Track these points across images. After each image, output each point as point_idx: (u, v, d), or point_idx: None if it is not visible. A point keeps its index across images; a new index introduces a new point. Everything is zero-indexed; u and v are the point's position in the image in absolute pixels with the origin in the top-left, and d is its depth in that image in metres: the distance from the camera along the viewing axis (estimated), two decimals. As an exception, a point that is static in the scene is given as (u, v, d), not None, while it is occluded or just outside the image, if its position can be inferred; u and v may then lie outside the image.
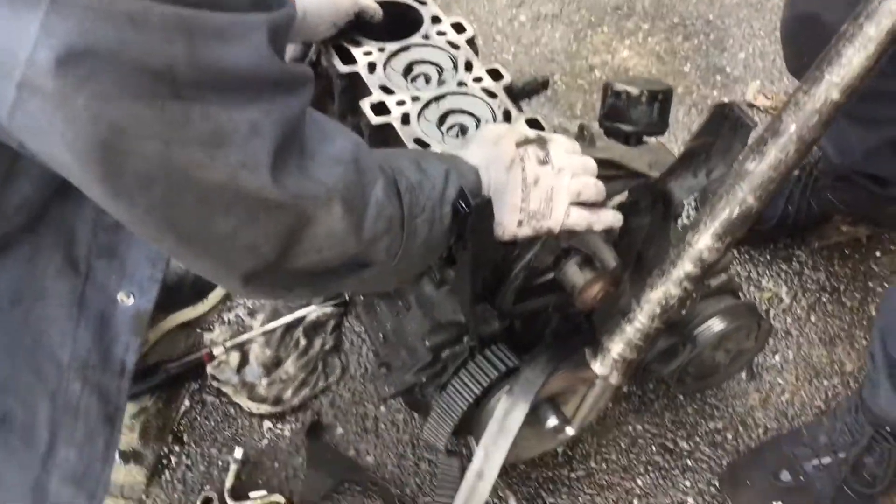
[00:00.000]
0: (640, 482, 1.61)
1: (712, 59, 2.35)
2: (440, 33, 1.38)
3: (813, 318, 1.83)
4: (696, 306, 1.43)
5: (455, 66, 1.34)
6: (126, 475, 1.58)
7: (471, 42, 1.39)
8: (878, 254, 1.93)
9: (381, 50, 1.34)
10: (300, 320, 1.76)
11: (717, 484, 1.61)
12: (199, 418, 1.68)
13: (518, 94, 1.35)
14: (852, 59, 0.94)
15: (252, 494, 1.55)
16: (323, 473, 1.58)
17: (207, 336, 1.75)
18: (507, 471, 1.60)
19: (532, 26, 2.44)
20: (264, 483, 1.59)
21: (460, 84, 1.31)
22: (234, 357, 1.70)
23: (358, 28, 1.36)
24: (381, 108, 1.26)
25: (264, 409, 1.66)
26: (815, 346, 1.79)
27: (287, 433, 1.66)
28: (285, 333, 1.75)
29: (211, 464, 1.62)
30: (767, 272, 1.90)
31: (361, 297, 1.54)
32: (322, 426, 1.66)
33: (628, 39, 2.40)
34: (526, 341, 1.33)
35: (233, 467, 1.57)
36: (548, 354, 1.28)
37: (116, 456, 1.57)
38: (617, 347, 1.17)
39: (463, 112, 1.28)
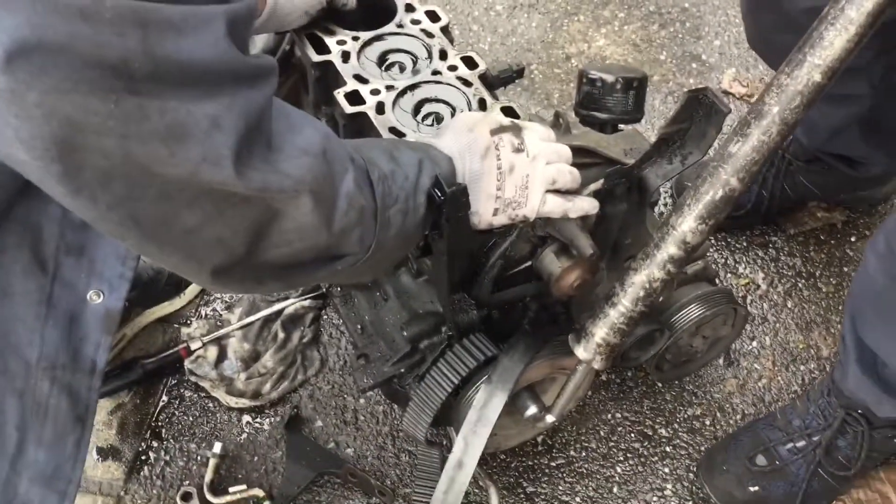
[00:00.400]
0: (619, 469, 1.62)
1: (688, 47, 2.35)
2: (414, 22, 1.37)
3: (789, 304, 1.85)
4: (672, 293, 1.43)
5: (430, 55, 1.33)
6: (104, 472, 1.58)
7: (445, 30, 1.38)
8: (853, 239, 1.95)
9: (355, 39, 1.33)
10: (278, 314, 1.75)
11: (695, 470, 1.62)
12: (177, 413, 1.67)
13: (493, 82, 1.34)
14: (834, 41, 0.97)
15: (231, 489, 1.55)
16: (302, 466, 1.57)
17: (185, 331, 1.75)
18: (487, 460, 1.60)
19: (508, 16, 2.44)
20: (244, 477, 1.59)
21: (435, 73, 1.30)
22: (212, 351, 1.70)
23: (331, 17, 1.35)
24: (355, 98, 1.25)
25: (243, 403, 1.65)
26: (792, 332, 1.81)
27: (266, 427, 1.65)
28: (263, 327, 1.74)
29: (190, 459, 1.61)
30: (744, 259, 1.91)
31: (339, 289, 1.54)
32: (301, 419, 1.66)
33: (604, 28, 2.40)
34: (504, 331, 1.33)
35: (212, 462, 1.57)
36: (526, 343, 1.28)
37: (94, 453, 1.57)
38: (601, 332, 1.18)
39: (438, 101, 1.27)
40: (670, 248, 1.11)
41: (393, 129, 1.20)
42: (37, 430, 1.05)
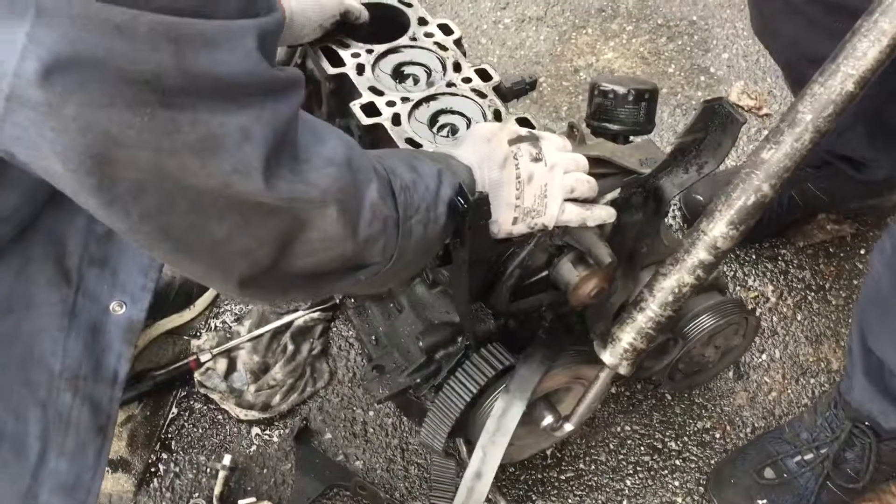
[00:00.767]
0: (629, 483, 1.61)
1: (696, 59, 2.36)
2: (427, 35, 1.38)
3: (799, 317, 1.84)
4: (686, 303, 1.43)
5: (444, 67, 1.34)
6: (114, 484, 1.57)
7: (458, 43, 1.39)
8: (862, 252, 1.94)
9: (369, 52, 1.34)
10: (287, 326, 1.75)
11: (705, 484, 1.62)
12: (186, 425, 1.66)
13: (507, 94, 1.34)
14: (867, 52, 1.01)
15: (241, 501, 1.54)
16: (312, 479, 1.57)
17: (194, 343, 1.74)
18: (497, 473, 1.59)
19: (517, 29, 2.45)
20: (253, 490, 1.58)
21: (450, 85, 1.31)
22: (222, 363, 1.69)
23: (344, 30, 1.36)
24: (371, 110, 1.25)
25: (252, 415, 1.65)
26: (802, 345, 1.80)
27: (275, 439, 1.65)
28: (272, 339, 1.74)
29: (199, 471, 1.61)
30: (753, 271, 1.91)
31: (352, 300, 1.54)
32: (310, 431, 1.66)
33: (612, 41, 2.41)
34: (519, 341, 1.33)
35: (221, 474, 1.56)
36: (543, 352, 1.28)
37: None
38: (628, 336, 1.19)
39: (453, 112, 1.27)
40: (701, 253, 1.13)
41: (409, 140, 1.21)
42: (59, 441, 1.05)
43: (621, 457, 1.64)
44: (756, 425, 1.69)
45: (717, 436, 1.68)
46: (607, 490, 1.60)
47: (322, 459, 1.61)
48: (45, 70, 0.65)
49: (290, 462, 1.61)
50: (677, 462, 1.64)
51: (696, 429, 1.68)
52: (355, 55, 1.33)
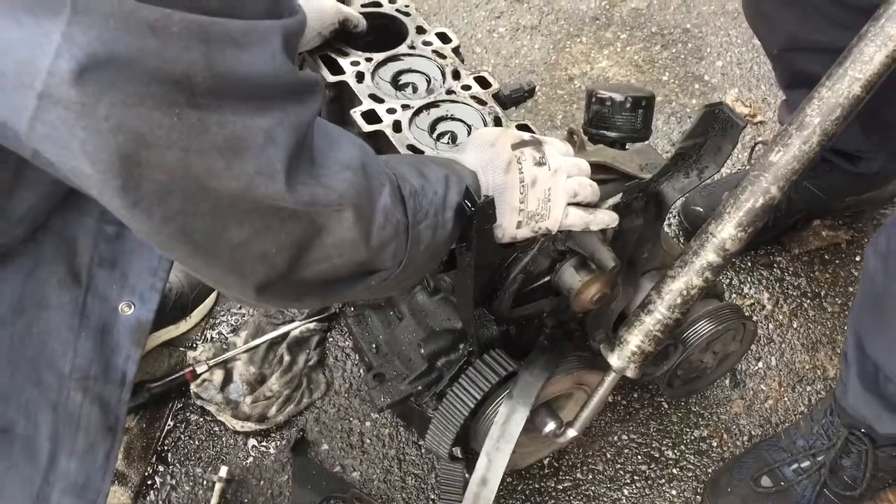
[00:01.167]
0: (626, 492, 1.61)
1: (690, 67, 2.37)
2: (426, 43, 1.39)
3: (795, 324, 1.85)
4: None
5: (443, 75, 1.34)
6: (110, 497, 1.55)
7: (456, 51, 1.40)
8: (857, 258, 1.95)
9: (369, 60, 1.34)
10: (284, 336, 1.75)
11: (702, 493, 1.62)
12: (183, 437, 1.65)
13: (505, 102, 1.35)
14: (874, 56, 1.03)
15: (238, 513, 1.54)
16: (309, 490, 1.56)
17: (191, 354, 1.74)
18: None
19: (511, 38, 2.45)
20: (250, 502, 1.57)
21: (449, 92, 1.31)
22: (218, 375, 1.69)
23: (342, 39, 1.36)
24: (372, 117, 1.26)
25: (249, 426, 1.64)
26: (798, 352, 1.81)
27: (272, 450, 1.64)
28: (269, 350, 1.74)
29: (196, 483, 1.60)
30: (749, 279, 1.91)
31: (352, 309, 1.53)
32: (307, 442, 1.65)
33: (607, 49, 2.42)
34: (520, 347, 1.33)
35: (218, 486, 1.55)
36: (545, 358, 1.28)
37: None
38: (636, 339, 1.19)
39: (453, 119, 1.28)
40: (709, 255, 1.14)
41: (411, 147, 1.21)
42: (69, 441, 1.06)
43: (619, 466, 1.64)
44: (753, 433, 1.69)
45: (714, 444, 1.67)
46: (605, 500, 1.60)
47: (319, 471, 1.60)
48: (80, 69, 0.65)
49: (287, 474, 1.60)
50: (674, 471, 1.64)
51: (693, 437, 1.68)
52: (354, 63, 1.34)
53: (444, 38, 1.41)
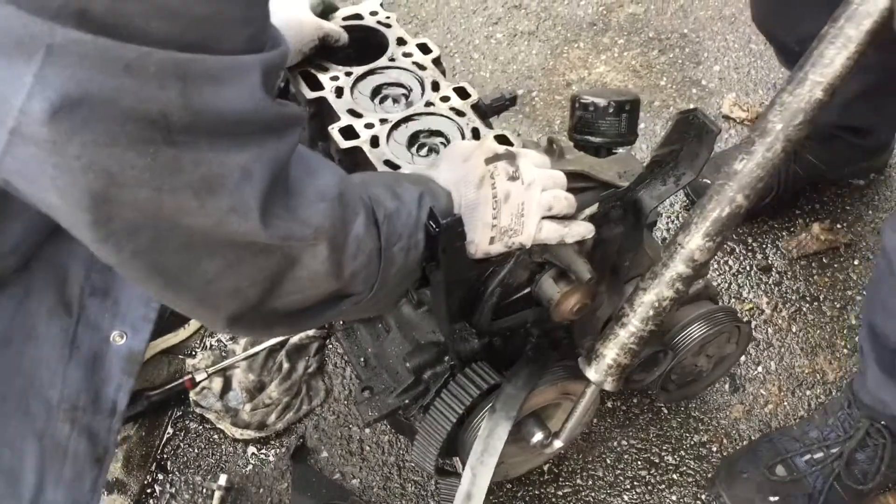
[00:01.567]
0: (626, 498, 1.61)
1: (688, 72, 2.36)
2: (406, 55, 1.38)
3: (794, 329, 1.84)
4: (675, 314, 1.43)
5: (422, 87, 1.34)
6: (109, 505, 1.57)
7: (437, 62, 1.39)
8: (856, 262, 1.94)
9: (348, 74, 1.34)
10: (283, 344, 1.76)
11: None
12: (182, 446, 1.67)
13: (487, 111, 1.35)
14: (834, 58, 1.01)
15: (237, 521, 1.55)
16: (308, 498, 1.57)
17: (189, 362, 1.75)
18: (493, 490, 1.60)
19: (509, 43, 2.46)
20: (250, 509, 1.58)
21: (428, 104, 1.30)
22: (217, 383, 1.70)
23: (323, 53, 1.36)
24: (349, 132, 1.25)
25: (248, 434, 1.65)
26: (797, 357, 1.80)
27: (271, 458, 1.65)
28: (268, 357, 1.75)
29: (195, 491, 1.61)
30: (747, 283, 1.91)
31: (341, 323, 1.54)
32: (307, 450, 1.66)
33: (604, 55, 2.42)
34: (506, 358, 1.33)
35: (217, 494, 1.56)
36: (529, 370, 1.28)
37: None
38: (611, 353, 1.19)
39: (432, 132, 1.27)
40: (679, 267, 1.13)
41: (388, 162, 1.21)
42: (55, 472, 1.04)
43: (618, 472, 1.64)
44: (753, 438, 1.68)
45: (714, 449, 1.67)
46: (604, 505, 1.60)
47: (318, 478, 1.61)
48: (52, 109, 0.65)
49: (287, 481, 1.61)
50: (674, 476, 1.64)
51: (692, 442, 1.68)
52: (334, 78, 1.33)
53: (424, 48, 1.40)
